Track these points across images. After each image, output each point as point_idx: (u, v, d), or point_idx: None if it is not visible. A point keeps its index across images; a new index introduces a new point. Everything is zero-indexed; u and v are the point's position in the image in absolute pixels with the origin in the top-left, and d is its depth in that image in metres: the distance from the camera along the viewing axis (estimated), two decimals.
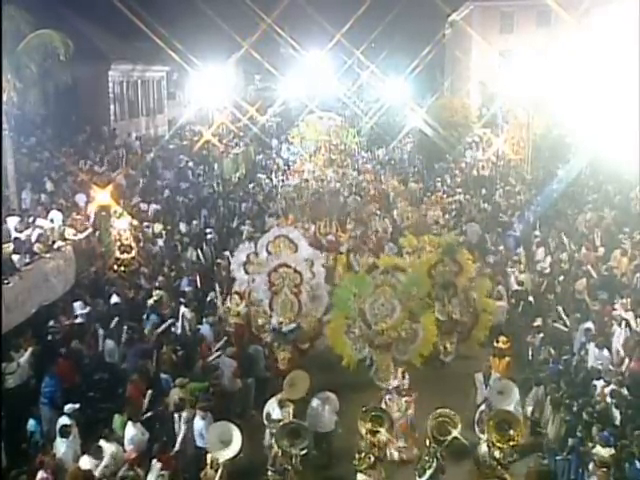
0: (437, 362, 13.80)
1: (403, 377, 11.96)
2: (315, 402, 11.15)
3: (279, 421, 10.38)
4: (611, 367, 12.27)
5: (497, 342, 12.72)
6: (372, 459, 9.54)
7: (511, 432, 9.25)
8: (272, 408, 10.70)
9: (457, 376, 13.25)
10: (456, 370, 13.64)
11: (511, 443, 9.26)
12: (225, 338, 13.55)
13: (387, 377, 12.12)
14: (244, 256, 14.35)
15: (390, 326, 12.25)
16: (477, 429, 10.19)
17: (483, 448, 9.55)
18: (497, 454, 9.26)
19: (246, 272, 14.18)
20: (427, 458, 9.47)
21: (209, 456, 9.31)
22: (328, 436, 11.28)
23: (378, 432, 9.71)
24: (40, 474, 9.17)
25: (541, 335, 13.78)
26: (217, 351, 13.13)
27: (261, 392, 12.88)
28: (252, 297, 13.96)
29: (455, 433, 9.47)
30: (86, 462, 9.52)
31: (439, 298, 13.97)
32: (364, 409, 10.13)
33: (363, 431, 9.77)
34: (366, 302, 12.37)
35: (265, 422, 10.69)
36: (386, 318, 12.28)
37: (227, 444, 9.12)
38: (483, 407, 10.42)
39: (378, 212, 21.94)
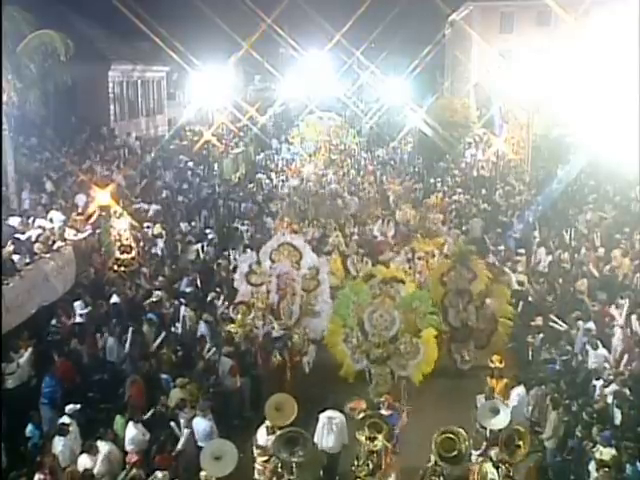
0: (453, 371, 13.72)
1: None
2: (321, 422, 10.56)
3: (267, 449, 9.72)
4: (607, 365, 12.26)
5: (491, 362, 12.15)
6: (370, 466, 9.41)
7: (520, 445, 8.99)
8: (260, 435, 10.08)
9: (473, 386, 12.65)
10: (473, 380, 13.10)
11: (518, 458, 9.01)
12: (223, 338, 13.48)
13: (385, 391, 11.86)
14: (247, 266, 14.20)
15: (389, 339, 12.12)
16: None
17: (483, 467, 9.27)
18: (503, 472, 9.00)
19: (249, 283, 14.08)
20: (434, 478, 9.17)
21: (202, 474, 8.89)
22: (335, 457, 10.73)
23: (375, 439, 9.49)
24: (37, 476, 9.14)
25: (541, 335, 13.76)
26: (214, 348, 13.12)
27: (259, 392, 12.82)
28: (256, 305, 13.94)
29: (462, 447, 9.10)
30: (85, 461, 9.52)
31: (453, 305, 13.94)
32: (362, 416, 9.95)
33: (361, 438, 9.60)
34: (365, 311, 12.25)
35: (254, 450, 9.94)
36: (385, 330, 12.16)
37: (220, 461, 8.76)
38: (477, 426, 10.07)
39: (379, 215, 21.71)
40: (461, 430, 9.27)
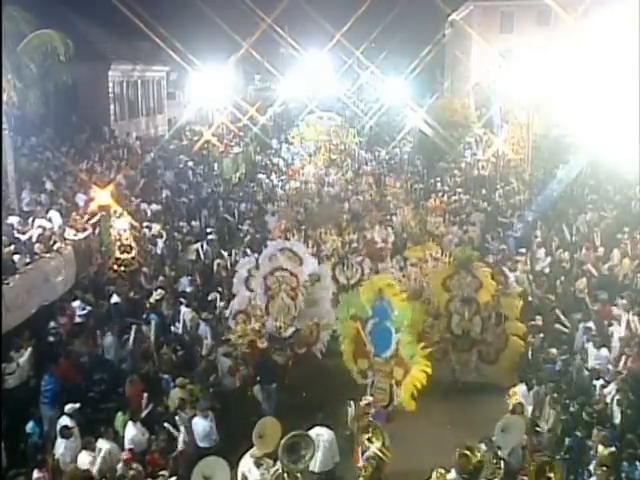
0: (453, 382, 13.36)
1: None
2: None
3: None
4: (610, 367, 12.26)
5: (508, 396, 11.29)
6: (369, 470, 9.36)
7: (551, 477, 8.52)
8: (248, 468, 9.13)
9: (482, 404, 12.51)
10: (482, 398, 12.89)
11: None
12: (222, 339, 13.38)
13: (383, 397, 11.94)
14: (245, 271, 13.97)
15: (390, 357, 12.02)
16: None
17: None
18: None
19: (248, 288, 13.81)
20: None
21: None
22: (327, 476, 10.29)
23: (373, 443, 9.48)
24: (35, 473, 9.16)
25: (541, 335, 13.76)
26: (212, 348, 13.09)
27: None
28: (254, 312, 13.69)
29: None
30: (84, 458, 9.53)
31: (459, 312, 13.50)
32: (369, 420, 9.88)
33: (361, 440, 9.57)
34: (368, 325, 12.13)
35: None
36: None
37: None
38: (483, 447, 9.40)
39: (379, 219, 20.79)
40: (474, 444, 9.06)
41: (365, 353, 12.38)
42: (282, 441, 8.72)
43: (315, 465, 9.92)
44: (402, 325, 12.04)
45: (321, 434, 10.06)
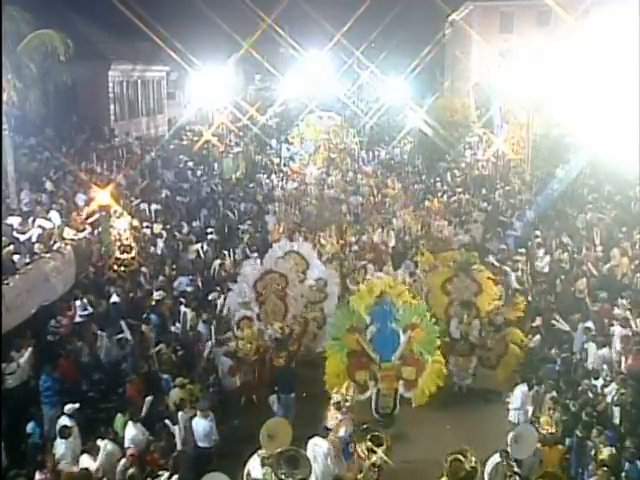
0: (454, 387, 13.15)
1: (347, 392, 10.82)
2: (309, 447, 9.62)
3: None
4: (605, 366, 12.25)
5: (538, 423, 10.65)
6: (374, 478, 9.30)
7: None
8: (253, 466, 9.16)
9: (481, 408, 12.52)
10: (481, 402, 12.85)
11: None
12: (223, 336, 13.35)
13: (389, 404, 11.99)
14: (250, 271, 13.96)
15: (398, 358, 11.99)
16: None
17: None
18: None
19: (254, 290, 13.70)
20: None
21: None
22: None
23: (375, 452, 9.36)
24: (37, 474, 9.15)
25: (540, 335, 13.73)
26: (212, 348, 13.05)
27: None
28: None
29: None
30: (86, 461, 9.52)
31: (458, 316, 13.29)
32: (364, 427, 9.83)
33: (360, 450, 9.49)
34: (367, 333, 12.05)
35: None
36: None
37: None
38: (497, 458, 9.25)
39: (379, 222, 20.42)
40: (467, 448, 8.92)
41: (364, 364, 12.16)
42: (279, 451, 8.60)
43: (313, 475, 9.56)
44: (410, 322, 12.00)
45: (318, 445, 9.76)
